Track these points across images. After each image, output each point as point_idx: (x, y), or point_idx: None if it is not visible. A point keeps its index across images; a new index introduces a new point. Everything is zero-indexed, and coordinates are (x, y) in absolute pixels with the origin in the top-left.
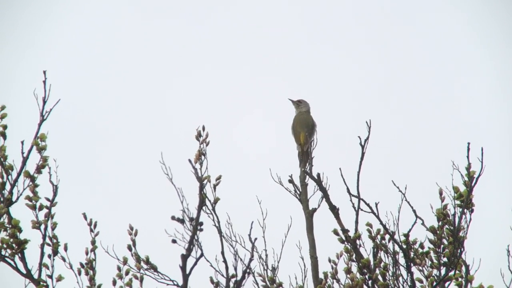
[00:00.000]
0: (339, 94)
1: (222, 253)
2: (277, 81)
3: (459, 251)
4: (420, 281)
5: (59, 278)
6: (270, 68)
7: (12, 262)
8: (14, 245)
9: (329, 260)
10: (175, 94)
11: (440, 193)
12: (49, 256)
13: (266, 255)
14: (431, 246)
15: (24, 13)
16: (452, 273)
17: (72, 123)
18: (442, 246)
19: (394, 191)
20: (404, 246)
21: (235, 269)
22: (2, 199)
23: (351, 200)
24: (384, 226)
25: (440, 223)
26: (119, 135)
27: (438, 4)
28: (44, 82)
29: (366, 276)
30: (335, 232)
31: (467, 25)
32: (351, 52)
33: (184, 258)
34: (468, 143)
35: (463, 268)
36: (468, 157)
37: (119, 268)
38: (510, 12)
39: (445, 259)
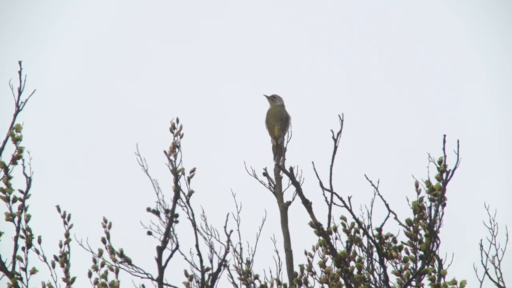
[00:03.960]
0: (312, 87)
1: (197, 246)
2: (252, 75)
3: (434, 244)
4: (397, 274)
5: (33, 271)
6: (245, 63)
7: None
8: None
9: (305, 253)
10: (151, 85)
11: (416, 186)
12: (23, 248)
13: (241, 248)
14: (407, 239)
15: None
16: (427, 266)
17: (46, 114)
18: (418, 239)
19: (368, 184)
20: (377, 241)
21: (211, 261)
22: None
23: (324, 194)
24: (357, 220)
25: (416, 215)
26: (94, 126)
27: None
28: (20, 72)
29: (342, 269)
30: (311, 224)
31: (447, 21)
32: (325, 46)
33: (160, 250)
34: (444, 136)
35: (436, 263)
36: (443, 149)
37: (94, 260)
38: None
39: (421, 252)
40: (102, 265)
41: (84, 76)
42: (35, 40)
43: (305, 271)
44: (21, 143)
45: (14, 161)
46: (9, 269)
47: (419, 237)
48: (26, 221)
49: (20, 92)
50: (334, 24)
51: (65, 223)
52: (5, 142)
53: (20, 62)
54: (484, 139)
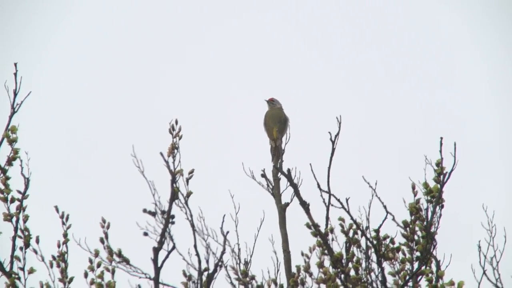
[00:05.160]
0: (310, 90)
1: (195, 246)
2: (250, 77)
3: (431, 245)
4: (394, 275)
5: (31, 271)
6: (243, 65)
7: None
8: None
9: (302, 254)
10: (149, 87)
11: (413, 188)
12: (21, 248)
13: (239, 249)
14: (404, 240)
15: None
16: (425, 267)
17: (43, 115)
18: (414, 240)
19: (366, 186)
20: (375, 242)
21: (207, 262)
22: None
23: (321, 196)
24: (355, 222)
25: (412, 217)
26: (91, 127)
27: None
28: (15, 74)
29: (339, 270)
30: (308, 225)
31: (446, 22)
32: (323, 48)
33: (156, 251)
34: (441, 138)
35: (434, 264)
36: (440, 151)
37: (90, 261)
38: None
39: (418, 254)
40: (99, 265)
41: (81, 78)
42: (30, 42)
43: (302, 272)
44: (19, 144)
45: (9, 162)
46: (7, 269)
47: (416, 238)
48: (24, 221)
49: (15, 94)
50: (332, 26)
51: (63, 223)
52: (0, 143)
53: (15, 64)
54: (483, 141)
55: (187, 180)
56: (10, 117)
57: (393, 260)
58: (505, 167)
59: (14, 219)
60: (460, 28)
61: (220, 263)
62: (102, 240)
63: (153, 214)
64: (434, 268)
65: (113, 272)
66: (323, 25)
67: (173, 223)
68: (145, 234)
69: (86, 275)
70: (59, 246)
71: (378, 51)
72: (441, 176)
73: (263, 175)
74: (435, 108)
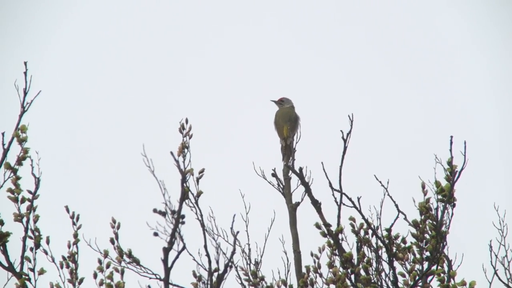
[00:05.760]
0: (322, 88)
1: (205, 246)
2: (261, 75)
3: (441, 245)
4: (403, 275)
5: (41, 271)
6: (254, 63)
7: None
8: None
9: (312, 254)
10: (160, 86)
11: (423, 187)
12: (31, 249)
13: (249, 249)
14: (414, 240)
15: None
16: (435, 267)
17: (54, 115)
18: (424, 240)
19: (377, 185)
20: (386, 241)
21: (217, 262)
22: None
23: (333, 195)
24: (366, 221)
25: (422, 217)
26: (101, 127)
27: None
28: (25, 73)
29: (349, 270)
30: (317, 225)
31: (450, 22)
32: (334, 47)
33: (166, 251)
34: (451, 137)
35: (445, 263)
36: (451, 150)
37: (100, 261)
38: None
39: (427, 253)
40: (108, 266)
41: (91, 77)
42: (40, 41)
43: (312, 272)
44: (29, 144)
45: (19, 162)
46: (18, 269)
47: (427, 236)
48: (35, 222)
49: (25, 93)
50: (343, 24)
51: (73, 223)
52: (10, 143)
53: (25, 63)
54: (494, 140)
55: (197, 179)
56: (20, 116)
57: (403, 260)
58: None
59: (24, 219)
60: (468, 26)
61: (230, 264)
62: (112, 241)
63: (163, 214)
64: (445, 268)
65: (122, 273)
66: (334, 22)
67: (183, 223)
68: (155, 234)
69: (95, 275)
70: (69, 247)
71: (389, 51)
72: (452, 175)
73: (274, 175)
74: (445, 107)
